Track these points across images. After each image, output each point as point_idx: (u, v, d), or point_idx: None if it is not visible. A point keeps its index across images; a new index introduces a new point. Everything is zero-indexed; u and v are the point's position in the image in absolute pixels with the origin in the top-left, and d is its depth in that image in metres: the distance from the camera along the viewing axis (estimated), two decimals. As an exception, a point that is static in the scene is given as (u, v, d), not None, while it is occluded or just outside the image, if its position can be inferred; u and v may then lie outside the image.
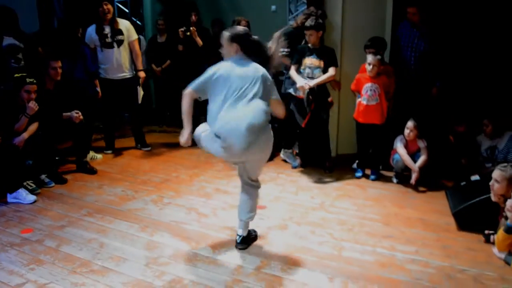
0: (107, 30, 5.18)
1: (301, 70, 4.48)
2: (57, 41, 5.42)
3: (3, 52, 4.66)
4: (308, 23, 4.38)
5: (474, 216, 3.35)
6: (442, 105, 4.74)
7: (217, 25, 6.62)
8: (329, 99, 4.70)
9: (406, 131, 4.26)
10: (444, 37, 4.70)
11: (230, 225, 3.46)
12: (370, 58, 4.33)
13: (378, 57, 4.34)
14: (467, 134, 4.47)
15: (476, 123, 4.42)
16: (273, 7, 6.70)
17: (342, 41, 4.88)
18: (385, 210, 3.77)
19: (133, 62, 5.41)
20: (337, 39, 4.87)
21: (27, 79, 4.15)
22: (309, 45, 4.48)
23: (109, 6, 5.14)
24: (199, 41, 5.67)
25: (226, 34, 3.01)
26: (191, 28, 5.63)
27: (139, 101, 5.49)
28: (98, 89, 5.38)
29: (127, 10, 7.20)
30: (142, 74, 5.43)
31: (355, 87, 4.50)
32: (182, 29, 5.65)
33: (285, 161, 5.09)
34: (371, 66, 4.32)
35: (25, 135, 4.16)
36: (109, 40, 5.20)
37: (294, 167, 4.89)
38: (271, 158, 5.19)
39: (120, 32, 5.22)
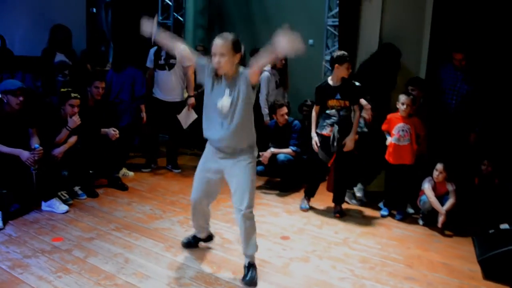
0: (163, 52, 5.46)
1: (328, 112, 4.38)
2: (103, 61, 5.72)
3: (54, 67, 4.99)
4: (343, 54, 4.27)
5: (502, 266, 3.28)
6: (478, 151, 4.66)
7: (255, 55, 6.80)
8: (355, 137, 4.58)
9: (435, 173, 4.24)
10: (488, 80, 4.64)
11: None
12: (403, 98, 4.36)
13: (411, 97, 4.37)
14: (493, 176, 4.40)
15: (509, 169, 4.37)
16: (310, 41, 6.82)
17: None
18: (408, 251, 3.74)
19: (186, 87, 5.63)
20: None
21: (72, 94, 4.37)
22: (330, 82, 4.37)
23: None
24: None
25: (227, 40, 2.80)
26: None
27: (185, 126, 5.64)
28: (143, 114, 5.57)
29: (169, 35, 7.46)
30: (190, 100, 5.58)
31: (386, 126, 4.52)
32: None
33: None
34: (404, 106, 4.34)
35: (65, 147, 4.35)
36: (161, 62, 5.47)
37: (302, 208, 4.66)
38: (297, 189, 5.24)
39: (173, 56, 5.42)
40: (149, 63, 5.61)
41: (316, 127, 4.49)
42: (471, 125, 4.60)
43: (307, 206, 4.64)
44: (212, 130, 3.01)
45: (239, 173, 2.98)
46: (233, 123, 2.91)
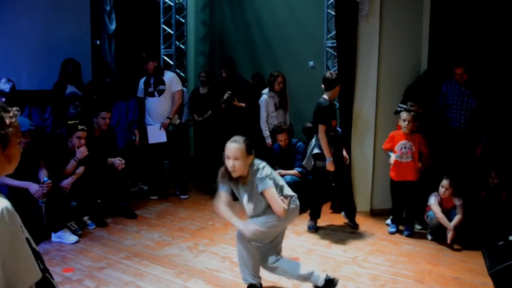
0: (152, 80, 5.64)
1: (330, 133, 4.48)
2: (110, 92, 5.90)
3: (65, 99, 5.17)
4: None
5: (513, 278, 3.27)
6: (484, 164, 4.63)
7: (257, 79, 6.93)
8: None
9: (441, 190, 4.24)
10: (494, 91, 4.63)
11: (261, 275, 3.50)
12: (404, 114, 4.41)
13: (412, 113, 4.42)
14: (500, 188, 4.40)
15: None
16: (311, 63, 6.93)
17: (378, 98, 4.97)
18: (418, 267, 3.73)
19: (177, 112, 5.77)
20: (372, 96, 4.97)
21: (79, 126, 4.45)
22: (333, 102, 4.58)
23: (149, 64, 5.57)
24: (242, 105, 5.95)
25: (240, 146, 2.86)
26: (234, 98, 5.94)
27: (149, 141, 5.63)
28: (137, 137, 5.76)
29: (172, 62, 7.60)
30: (166, 121, 5.60)
31: (388, 145, 4.56)
32: (229, 92, 5.96)
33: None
34: (405, 122, 4.39)
35: (73, 178, 4.41)
36: (151, 89, 5.63)
37: (310, 229, 4.68)
38: (305, 210, 5.25)
39: (162, 83, 5.59)
40: (140, 93, 5.78)
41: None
42: (478, 137, 4.59)
43: (314, 227, 4.65)
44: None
45: None
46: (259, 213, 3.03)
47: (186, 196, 5.85)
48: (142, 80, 5.77)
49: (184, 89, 7.07)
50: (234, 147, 2.86)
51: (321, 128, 4.34)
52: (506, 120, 4.72)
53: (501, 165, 4.53)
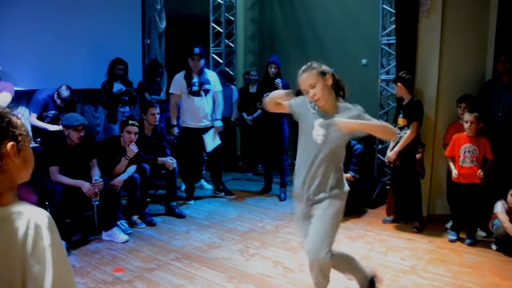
0: (196, 79, 5.27)
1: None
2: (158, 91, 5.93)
3: (114, 97, 5.29)
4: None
5: None
6: None
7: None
8: (417, 156, 4.49)
9: (510, 198, 3.92)
10: None
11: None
12: (467, 115, 4.15)
13: (476, 114, 4.14)
14: None
15: None
16: (364, 61, 6.70)
17: (438, 98, 4.70)
18: (484, 280, 3.47)
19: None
20: (432, 95, 4.71)
21: (129, 121, 4.48)
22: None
23: (201, 61, 5.25)
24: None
25: (312, 71, 2.54)
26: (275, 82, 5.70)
27: (208, 150, 5.38)
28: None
29: (221, 61, 7.56)
30: (218, 123, 5.40)
31: (450, 152, 4.30)
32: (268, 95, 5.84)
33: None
34: (468, 124, 4.12)
35: (124, 177, 4.40)
36: (195, 88, 5.26)
37: (384, 222, 4.81)
38: (358, 215, 5.06)
39: (208, 82, 5.33)
40: (176, 90, 5.31)
41: None
42: None
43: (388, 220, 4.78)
44: None
45: None
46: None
47: (232, 196, 5.73)
48: (180, 76, 5.29)
49: (234, 87, 7.02)
50: (304, 77, 2.53)
51: (416, 125, 4.39)
52: None
53: None
